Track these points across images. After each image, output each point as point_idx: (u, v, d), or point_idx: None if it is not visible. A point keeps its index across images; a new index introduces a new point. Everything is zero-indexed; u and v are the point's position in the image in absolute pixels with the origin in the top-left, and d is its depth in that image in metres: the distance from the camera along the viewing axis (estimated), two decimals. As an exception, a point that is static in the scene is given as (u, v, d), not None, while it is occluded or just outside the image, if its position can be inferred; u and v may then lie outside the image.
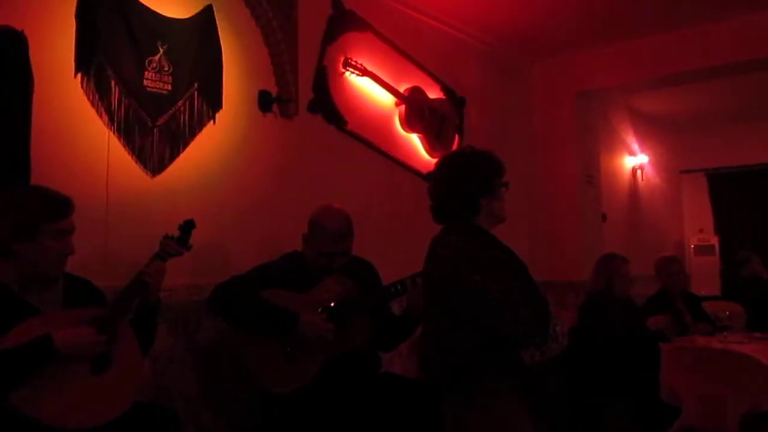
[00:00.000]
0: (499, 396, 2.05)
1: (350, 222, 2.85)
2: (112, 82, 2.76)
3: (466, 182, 2.18)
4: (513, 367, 2.01)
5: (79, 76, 2.67)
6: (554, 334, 2.00)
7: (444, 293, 2.13)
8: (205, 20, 3.12)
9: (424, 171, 4.29)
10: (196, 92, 3.05)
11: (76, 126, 2.69)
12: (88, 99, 2.71)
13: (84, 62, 2.68)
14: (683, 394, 3.24)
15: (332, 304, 2.71)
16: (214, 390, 3.05)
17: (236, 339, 2.73)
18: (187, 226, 2.46)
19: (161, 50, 2.93)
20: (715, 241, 7.56)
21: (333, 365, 2.65)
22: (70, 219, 2.13)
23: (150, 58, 2.89)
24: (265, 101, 3.40)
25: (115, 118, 2.78)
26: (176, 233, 2.45)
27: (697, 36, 4.83)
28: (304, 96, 3.60)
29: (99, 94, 2.73)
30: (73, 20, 2.67)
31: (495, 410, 2.05)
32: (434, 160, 4.27)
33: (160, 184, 2.93)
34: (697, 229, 7.85)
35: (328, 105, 3.75)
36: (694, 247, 7.49)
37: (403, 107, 4.26)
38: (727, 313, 4.20)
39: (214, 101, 3.13)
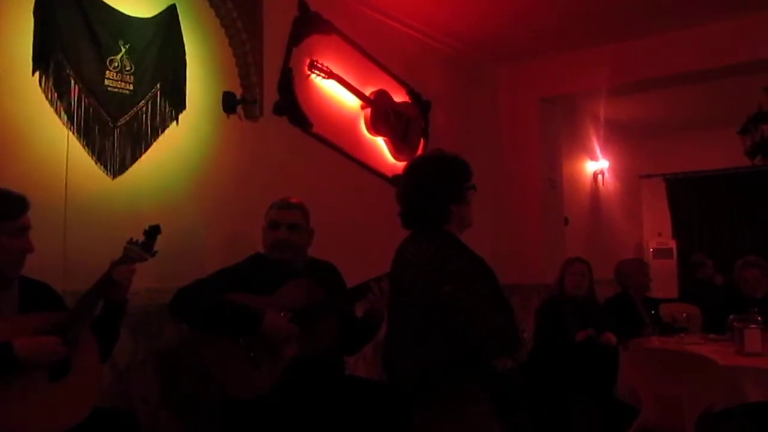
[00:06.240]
0: (469, 403, 2.05)
1: (303, 207, 2.91)
2: (72, 81, 2.70)
3: (437, 190, 2.16)
4: (483, 375, 2.02)
5: (37, 74, 2.61)
6: (523, 340, 2.10)
7: (413, 301, 2.10)
8: (168, 20, 3.08)
9: (390, 174, 4.30)
10: (158, 92, 3.01)
11: (34, 125, 2.62)
12: (47, 98, 2.64)
13: (42, 60, 2.61)
14: (642, 394, 3.30)
15: (296, 307, 2.69)
16: (176, 395, 3.01)
17: (199, 343, 2.69)
18: (153, 232, 2.37)
19: (123, 49, 2.88)
20: (673, 244, 7.76)
21: (297, 369, 2.63)
22: (26, 216, 2.09)
23: (111, 57, 2.84)
24: (229, 103, 3.36)
25: (75, 118, 2.72)
26: (140, 238, 2.40)
27: (658, 45, 4.95)
28: (268, 98, 3.57)
29: (58, 93, 2.66)
30: (31, 17, 2.60)
31: (465, 417, 2.06)
32: (400, 164, 4.28)
33: (120, 185, 2.88)
34: (655, 232, 8.04)
35: (293, 107, 3.73)
36: (652, 251, 7.66)
37: (368, 110, 4.26)
38: (685, 315, 4.31)
39: (177, 102, 3.09)
